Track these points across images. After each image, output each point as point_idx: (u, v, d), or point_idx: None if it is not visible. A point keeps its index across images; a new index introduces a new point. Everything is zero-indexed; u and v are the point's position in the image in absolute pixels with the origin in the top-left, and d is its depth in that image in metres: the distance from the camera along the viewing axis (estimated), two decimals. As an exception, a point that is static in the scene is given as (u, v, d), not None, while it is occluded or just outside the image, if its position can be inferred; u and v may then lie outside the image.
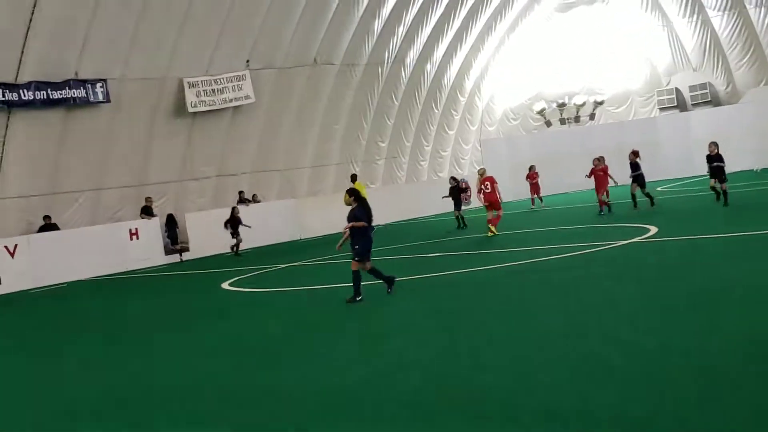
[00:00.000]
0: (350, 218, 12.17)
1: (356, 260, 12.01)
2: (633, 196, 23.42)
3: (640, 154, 24.09)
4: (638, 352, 7.17)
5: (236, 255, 25.64)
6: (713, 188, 21.84)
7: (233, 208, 26.55)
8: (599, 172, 24.29)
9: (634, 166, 23.37)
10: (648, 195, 23.17)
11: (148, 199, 28.24)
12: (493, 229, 21.26)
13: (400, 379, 7.29)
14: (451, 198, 26.50)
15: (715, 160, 21.51)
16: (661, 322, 8.37)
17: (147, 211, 27.79)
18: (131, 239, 26.30)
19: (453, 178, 27.36)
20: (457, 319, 10.07)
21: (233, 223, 25.92)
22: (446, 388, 6.78)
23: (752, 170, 27.82)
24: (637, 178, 23.32)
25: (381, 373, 7.65)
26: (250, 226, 25.98)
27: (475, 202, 27.02)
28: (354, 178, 28.15)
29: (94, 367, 9.88)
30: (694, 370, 6.38)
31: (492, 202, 21.79)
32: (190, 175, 30.93)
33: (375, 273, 12.32)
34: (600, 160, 24.65)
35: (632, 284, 11.00)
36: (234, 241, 26.07)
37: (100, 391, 8.45)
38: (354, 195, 12.26)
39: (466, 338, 8.78)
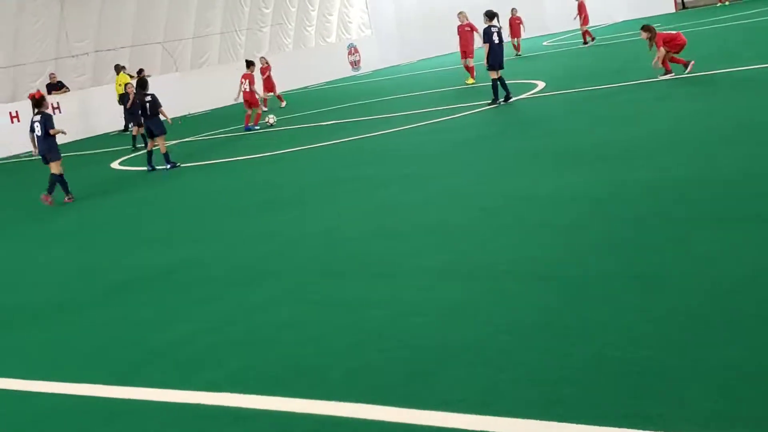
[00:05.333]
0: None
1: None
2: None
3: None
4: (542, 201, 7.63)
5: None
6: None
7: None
8: (466, 28, 21.66)
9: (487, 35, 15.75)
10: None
11: (52, 76, 27.26)
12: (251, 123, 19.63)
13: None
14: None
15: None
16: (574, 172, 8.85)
17: (56, 87, 26.75)
18: (12, 122, 25.16)
19: (139, 83, 16.36)
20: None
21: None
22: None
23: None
24: None
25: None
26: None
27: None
28: (118, 69, 25.46)
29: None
30: (603, 215, 6.88)
31: (247, 100, 19.96)
32: (66, 52, 29.50)
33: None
34: (464, 15, 21.73)
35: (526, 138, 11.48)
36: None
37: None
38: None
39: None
